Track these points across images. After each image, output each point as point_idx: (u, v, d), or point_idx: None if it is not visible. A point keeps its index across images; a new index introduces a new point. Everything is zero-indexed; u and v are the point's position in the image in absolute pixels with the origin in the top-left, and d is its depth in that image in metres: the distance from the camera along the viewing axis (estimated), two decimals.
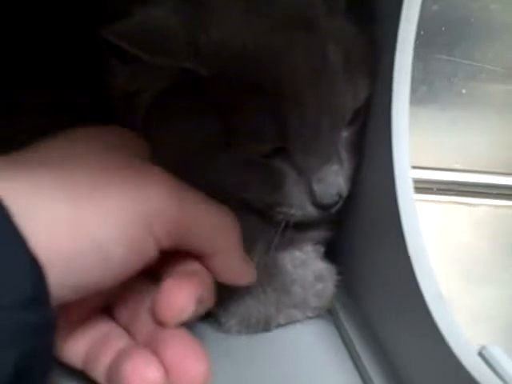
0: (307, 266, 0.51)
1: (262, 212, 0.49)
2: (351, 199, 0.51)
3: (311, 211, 0.48)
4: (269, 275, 0.49)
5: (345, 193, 0.49)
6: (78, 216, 0.32)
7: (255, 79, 0.42)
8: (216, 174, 0.46)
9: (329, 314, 0.53)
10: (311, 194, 0.47)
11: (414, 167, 0.78)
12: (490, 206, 0.82)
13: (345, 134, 0.48)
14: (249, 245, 0.45)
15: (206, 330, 0.50)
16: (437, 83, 0.81)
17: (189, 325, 0.48)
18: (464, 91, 0.81)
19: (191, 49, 0.42)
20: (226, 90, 0.42)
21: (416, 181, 0.77)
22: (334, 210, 0.49)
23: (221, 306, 0.49)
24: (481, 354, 0.39)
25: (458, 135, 0.82)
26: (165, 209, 0.35)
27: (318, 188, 0.46)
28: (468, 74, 0.80)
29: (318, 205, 0.47)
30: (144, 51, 0.40)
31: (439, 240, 0.68)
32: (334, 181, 0.47)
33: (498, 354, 0.38)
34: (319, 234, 0.53)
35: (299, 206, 0.48)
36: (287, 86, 0.42)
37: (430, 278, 0.39)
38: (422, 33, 0.75)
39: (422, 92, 0.81)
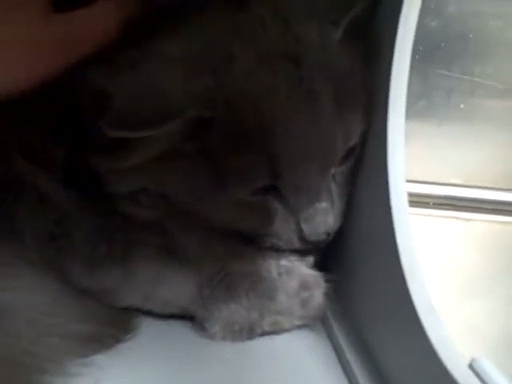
0: (292, 273, 0.51)
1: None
2: (347, 210, 0.51)
3: (299, 246, 0.49)
4: (252, 282, 0.50)
5: (334, 229, 0.49)
6: None
7: (244, 119, 0.42)
8: (204, 211, 0.47)
9: (320, 322, 0.53)
10: (299, 231, 0.48)
11: (411, 181, 0.79)
12: (486, 221, 0.82)
13: (337, 170, 0.49)
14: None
15: (193, 336, 0.50)
16: (435, 98, 0.81)
17: (175, 331, 0.50)
18: (462, 106, 0.81)
19: (191, 98, 0.41)
20: (215, 133, 0.43)
21: (412, 195, 0.79)
22: (322, 245, 0.50)
23: (205, 310, 0.49)
24: (471, 367, 0.39)
25: (455, 150, 0.82)
26: None
27: (306, 227, 0.47)
28: (466, 90, 0.81)
29: (305, 241, 0.48)
30: (147, 129, 0.40)
31: (434, 254, 0.68)
32: (322, 219, 0.47)
33: (488, 366, 0.38)
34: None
35: (287, 240, 0.49)
36: (272, 124, 0.43)
37: (423, 290, 0.39)
38: (420, 48, 0.76)
39: (420, 106, 0.81)
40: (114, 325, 0.48)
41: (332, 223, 0.48)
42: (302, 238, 0.48)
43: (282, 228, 0.48)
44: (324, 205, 0.47)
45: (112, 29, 0.44)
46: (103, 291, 0.49)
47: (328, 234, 0.48)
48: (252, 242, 0.50)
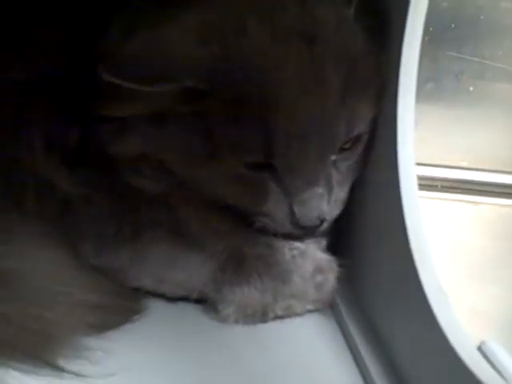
0: (307, 256, 0.50)
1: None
2: (356, 193, 0.51)
3: (291, 229, 0.48)
4: (266, 264, 0.49)
5: (329, 216, 0.49)
6: None
7: (245, 91, 0.42)
8: (201, 182, 0.47)
9: (329, 307, 0.53)
10: (291, 214, 0.47)
11: (419, 164, 0.78)
12: (495, 204, 0.82)
13: (340, 158, 0.48)
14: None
15: (204, 320, 0.50)
16: (444, 80, 0.81)
17: (186, 314, 0.50)
18: (472, 89, 0.81)
19: (192, 66, 0.42)
20: (215, 103, 0.43)
21: (421, 178, 0.78)
22: (317, 233, 0.50)
23: (218, 293, 0.49)
24: (480, 349, 0.39)
25: (464, 133, 0.82)
26: None
27: (298, 210, 0.46)
28: (476, 72, 0.80)
29: (297, 225, 0.47)
30: (142, 84, 0.41)
31: (443, 237, 0.68)
32: (315, 205, 0.47)
33: (497, 349, 0.38)
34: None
35: (279, 222, 0.48)
36: (275, 101, 0.42)
37: (432, 272, 0.39)
38: (431, 29, 0.75)
39: (429, 89, 0.81)
40: (123, 300, 0.49)
41: (326, 210, 0.47)
42: (294, 221, 0.47)
43: (275, 209, 0.48)
44: (320, 190, 0.47)
45: None
46: (113, 270, 0.49)
47: (322, 221, 0.48)
48: (246, 220, 0.50)
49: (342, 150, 0.47)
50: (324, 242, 0.52)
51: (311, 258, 0.50)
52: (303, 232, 0.49)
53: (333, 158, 0.47)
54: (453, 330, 0.36)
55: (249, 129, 0.43)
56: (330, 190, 0.48)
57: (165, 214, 0.50)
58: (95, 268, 0.49)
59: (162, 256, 0.50)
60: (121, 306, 0.49)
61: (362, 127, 0.47)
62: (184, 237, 0.50)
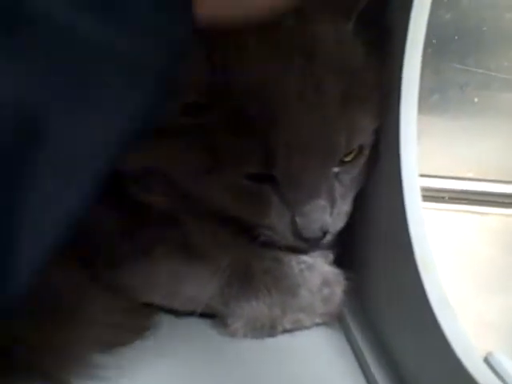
0: (314, 269, 0.51)
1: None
2: (360, 206, 0.51)
3: (294, 242, 0.49)
4: (274, 278, 0.50)
5: (333, 229, 0.49)
6: None
7: (245, 105, 0.43)
8: (203, 194, 0.47)
9: (337, 320, 0.53)
10: (293, 225, 0.47)
11: (426, 176, 0.79)
12: (502, 215, 0.81)
13: (342, 170, 0.48)
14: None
15: (214, 334, 0.51)
16: (449, 92, 0.81)
17: (195, 329, 0.50)
18: (476, 100, 0.81)
19: (196, 86, 0.43)
20: (215, 116, 0.43)
21: (427, 189, 0.78)
22: (320, 245, 0.50)
23: (226, 307, 0.50)
24: (486, 360, 0.39)
25: (470, 144, 0.82)
26: None
27: (300, 222, 0.47)
28: (481, 83, 0.80)
29: (299, 237, 0.48)
30: None
31: (450, 248, 0.68)
32: (318, 217, 0.47)
33: (503, 360, 0.38)
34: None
35: (282, 234, 0.49)
36: (275, 114, 0.43)
37: (437, 283, 0.39)
38: (434, 41, 0.75)
39: (434, 101, 0.81)
40: (134, 317, 0.49)
41: (329, 222, 0.48)
42: (297, 233, 0.47)
43: (278, 221, 0.48)
44: (322, 202, 0.47)
45: None
46: (125, 287, 0.50)
47: (324, 233, 0.48)
48: (249, 233, 0.50)
49: (344, 162, 0.48)
50: (331, 256, 0.53)
51: (318, 272, 0.51)
52: (306, 244, 0.49)
53: (335, 170, 0.48)
54: (459, 341, 0.36)
55: (249, 141, 0.43)
56: (332, 202, 0.48)
57: (175, 229, 0.50)
58: (107, 285, 0.49)
59: (172, 271, 0.50)
60: (132, 322, 0.49)
61: (362, 139, 0.47)
62: (192, 251, 0.50)
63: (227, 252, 0.50)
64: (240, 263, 0.50)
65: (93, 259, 0.49)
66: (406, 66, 0.44)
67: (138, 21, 0.26)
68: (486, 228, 0.79)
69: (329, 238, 0.49)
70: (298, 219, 0.47)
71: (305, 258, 0.51)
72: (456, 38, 0.77)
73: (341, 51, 0.45)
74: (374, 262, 0.51)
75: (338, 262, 0.53)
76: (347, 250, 0.53)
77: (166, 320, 0.51)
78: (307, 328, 0.51)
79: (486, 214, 0.82)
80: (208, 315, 0.51)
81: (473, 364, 0.34)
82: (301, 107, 0.43)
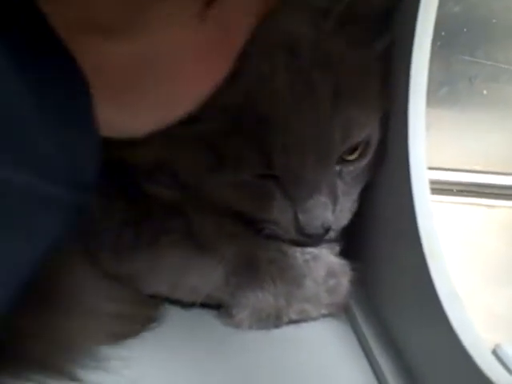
0: (319, 260, 0.51)
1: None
2: (368, 198, 0.51)
3: (297, 237, 0.49)
4: (279, 268, 0.50)
5: (335, 225, 0.49)
6: None
7: (238, 110, 0.43)
8: (209, 189, 0.48)
9: (343, 311, 0.53)
10: (296, 221, 0.47)
11: (434, 168, 0.79)
12: (510, 207, 0.81)
13: (345, 168, 0.48)
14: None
15: (219, 325, 0.51)
16: (458, 84, 0.80)
17: (201, 320, 0.50)
18: (485, 92, 0.81)
19: None
20: (210, 124, 0.43)
21: (436, 182, 0.78)
22: (324, 241, 0.50)
23: (232, 297, 0.50)
24: (494, 353, 0.39)
25: (478, 136, 0.81)
26: None
27: (302, 218, 0.47)
28: (490, 76, 0.80)
29: (302, 233, 0.48)
30: None
31: (458, 241, 0.68)
32: (319, 213, 0.47)
33: (511, 352, 0.38)
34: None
35: (285, 229, 0.49)
36: (268, 115, 0.43)
37: (445, 276, 0.39)
38: (443, 34, 0.75)
39: (442, 93, 0.80)
40: (140, 308, 0.50)
41: (331, 219, 0.48)
42: (299, 229, 0.48)
43: (281, 216, 0.48)
44: (323, 199, 0.47)
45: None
46: (130, 277, 0.50)
47: (327, 230, 0.48)
48: (253, 226, 0.50)
49: (348, 161, 0.48)
50: (337, 247, 0.53)
51: (324, 262, 0.51)
52: (310, 240, 0.49)
53: (337, 168, 0.48)
54: (467, 334, 0.36)
55: (246, 144, 0.44)
56: (334, 199, 0.48)
57: (179, 220, 0.50)
58: (113, 276, 0.49)
59: (177, 261, 0.50)
60: (138, 314, 0.49)
61: (361, 134, 0.47)
62: (197, 242, 0.50)
63: (232, 242, 0.50)
64: (245, 253, 0.50)
65: (97, 248, 0.50)
66: (414, 58, 0.44)
67: (37, 159, 0.26)
68: (494, 220, 0.79)
69: (332, 234, 0.49)
70: (300, 216, 0.47)
71: (310, 248, 0.51)
72: (465, 30, 0.77)
73: (323, 48, 0.44)
74: (382, 253, 0.51)
75: (345, 253, 0.53)
76: (354, 241, 0.53)
77: (171, 311, 0.51)
78: (313, 319, 0.51)
79: (494, 206, 0.82)
80: (213, 306, 0.52)
81: (481, 356, 0.34)
82: (292, 107, 0.43)
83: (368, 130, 0.47)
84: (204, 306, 0.52)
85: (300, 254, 0.51)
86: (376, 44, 0.47)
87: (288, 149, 0.44)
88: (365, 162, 0.49)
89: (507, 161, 0.83)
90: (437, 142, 0.73)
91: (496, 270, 0.65)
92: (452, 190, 0.83)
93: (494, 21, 0.76)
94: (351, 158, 0.48)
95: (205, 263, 0.50)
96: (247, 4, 0.34)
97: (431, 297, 0.39)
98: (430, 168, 0.44)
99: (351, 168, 0.49)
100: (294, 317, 0.50)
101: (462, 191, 0.83)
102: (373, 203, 0.51)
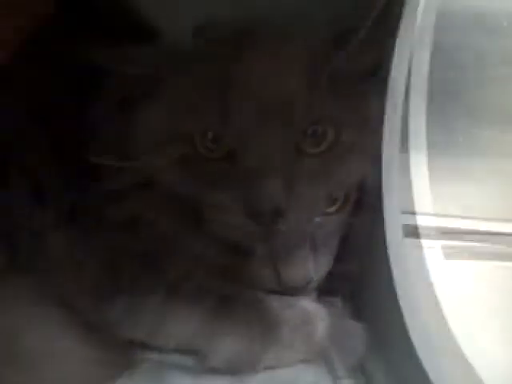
0: (295, 306, 0.50)
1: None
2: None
3: (245, 223, 0.46)
4: (255, 312, 0.49)
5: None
6: None
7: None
8: (161, 171, 0.48)
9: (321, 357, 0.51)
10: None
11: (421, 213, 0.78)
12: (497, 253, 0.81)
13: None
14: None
15: (196, 371, 0.49)
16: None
17: (178, 365, 0.49)
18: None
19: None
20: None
21: (422, 227, 0.78)
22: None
23: (208, 343, 0.49)
24: None
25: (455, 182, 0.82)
26: None
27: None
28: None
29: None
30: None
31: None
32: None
33: None
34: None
35: (231, 211, 0.46)
36: (234, 81, 0.44)
37: (419, 323, 0.39)
38: None
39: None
40: (115, 355, 0.49)
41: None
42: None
43: (228, 195, 0.46)
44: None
45: None
46: (107, 323, 0.49)
47: (276, 214, 0.45)
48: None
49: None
50: (314, 293, 0.52)
51: (299, 309, 0.50)
52: (257, 223, 0.46)
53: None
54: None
55: (207, 99, 0.45)
56: (290, 182, 0.45)
57: (157, 267, 0.50)
58: (91, 323, 0.49)
59: (155, 308, 0.50)
60: (113, 361, 0.48)
61: (322, 113, 0.46)
62: (174, 288, 0.50)
63: (209, 287, 0.50)
64: (221, 298, 0.50)
65: (77, 296, 0.49)
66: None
67: None
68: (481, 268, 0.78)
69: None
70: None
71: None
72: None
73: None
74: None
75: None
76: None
77: (148, 358, 0.50)
78: (289, 365, 0.50)
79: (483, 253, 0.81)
80: (189, 352, 0.50)
81: None
82: (263, 72, 0.44)
83: (335, 117, 0.47)
84: (180, 351, 0.51)
85: (276, 300, 0.50)
86: None
87: (247, 107, 0.44)
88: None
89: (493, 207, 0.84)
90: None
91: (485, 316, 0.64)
92: (437, 235, 0.82)
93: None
94: (314, 150, 0.47)
95: (182, 309, 0.50)
96: None
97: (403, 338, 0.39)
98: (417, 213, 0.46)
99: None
100: (268, 363, 0.49)
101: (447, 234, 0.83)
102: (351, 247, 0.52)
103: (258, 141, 0.44)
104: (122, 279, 0.49)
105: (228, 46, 0.46)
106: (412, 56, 0.45)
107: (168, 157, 0.47)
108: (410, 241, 0.45)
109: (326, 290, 0.52)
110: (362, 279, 0.51)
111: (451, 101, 0.76)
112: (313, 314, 0.50)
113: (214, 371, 0.48)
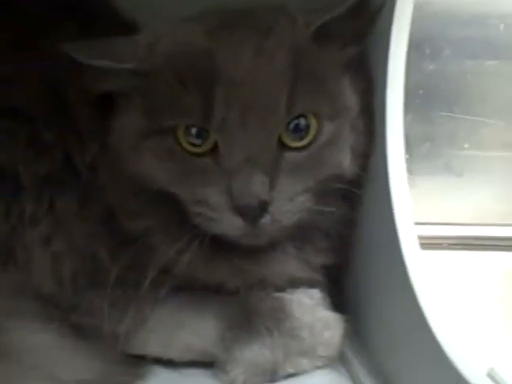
0: (315, 312, 0.50)
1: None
2: (357, 251, 0.53)
3: (230, 216, 0.46)
4: (276, 319, 0.49)
5: (274, 208, 0.46)
6: None
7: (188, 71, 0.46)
8: (143, 166, 0.48)
9: (340, 362, 0.52)
10: (229, 193, 0.45)
11: (421, 223, 0.79)
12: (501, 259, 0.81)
13: (292, 155, 0.47)
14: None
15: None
16: (440, 139, 0.82)
17: (192, 380, 0.49)
18: (467, 146, 0.82)
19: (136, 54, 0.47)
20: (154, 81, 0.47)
21: (423, 237, 0.78)
22: (268, 231, 0.47)
23: (227, 353, 0.48)
24: (490, 375, 0.38)
25: (463, 189, 0.82)
26: None
27: (235, 187, 0.45)
28: (470, 129, 0.81)
29: (234, 207, 0.45)
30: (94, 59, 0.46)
31: (451, 294, 0.67)
32: (254, 184, 0.45)
33: (507, 374, 0.37)
34: (288, 268, 0.52)
35: (217, 208, 0.46)
36: (217, 70, 0.45)
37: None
38: (421, 92, 0.77)
39: (426, 148, 0.82)
40: (122, 371, 0.48)
41: (268, 196, 0.45)
42: (232, 200, 0.45)
43: (212, 191, 0.46)
44: (260, 174, 0.45)
45: None
46: (117, 336, 0.48)
47: (262, 207, 0.45)
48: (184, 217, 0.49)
49: (292, 148, 0.47)
50: (328, 300, 0.53)
51: (319, 315, 0.51)
52: (243, 219, 0.46)
53: (279, 150, 0.47)
54: (461, 358, 0.36)
55: (191, 93, 0.45)
56: (272, 179, 0.46)
57: (169, 275, 0.49)
58: (97, 336, 0.48)
59: (168, 318, 0.50)
60: (121, 377, 0.48)
61: (304, 106, 0.47)
62: (189, 297, 0.50)
63: (226, 296, 0.50)
64: (240, 306, 0.50)
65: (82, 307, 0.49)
66: (388, 111, 0.47)
67: None
68: (485, 272, 0.79)
69: (268, 218, 0.46)
70: (233, 185, 0.45)
71: (306, 300, 0.51)
72: (441, 86, 0.79)
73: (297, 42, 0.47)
74: (375, 303, 0.51)
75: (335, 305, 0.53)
76: (347, 291, 0.54)
77: (157, 371, 0.50)
78: (308, 372, 0.50)
79: (486, 258, 0.82)
80: (205, 364, 0.50)
81: (477, 379, 0.35)
82: (246, 68, 0.45)
83: (317, 110, 0.47)
84: (195, 364, 0.50)
85: (297, 306, 0.50)
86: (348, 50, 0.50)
87: (231, 102, 0.44)
88: (309, 154, 0.47)
89: (493, 212, 0.84)
90: (422, 196, 0.74)
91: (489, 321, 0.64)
92: (441, 244, 0.83)
93: (468, 76, 0.79)
94: (297, 144, 0.47)
95: (199, 319, 0.50)
96: None
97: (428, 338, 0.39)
98: (417, 223, 0.45)
99: (294, 156, 0.47)
100: (290, 370, 0.49)
101: (451, 244, 0.83)
102: (362, 257, 0.52)
103: (241, 135, 0.45)
104: (131, 289, 0.48)
105: (210, 40, 0.46)
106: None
107: (148, 150, 0.48)
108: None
109: (307, 281, 0.53)
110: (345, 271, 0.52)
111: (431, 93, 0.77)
112: (331, 320, 0.51)
113: (232, 382, 0.48)
